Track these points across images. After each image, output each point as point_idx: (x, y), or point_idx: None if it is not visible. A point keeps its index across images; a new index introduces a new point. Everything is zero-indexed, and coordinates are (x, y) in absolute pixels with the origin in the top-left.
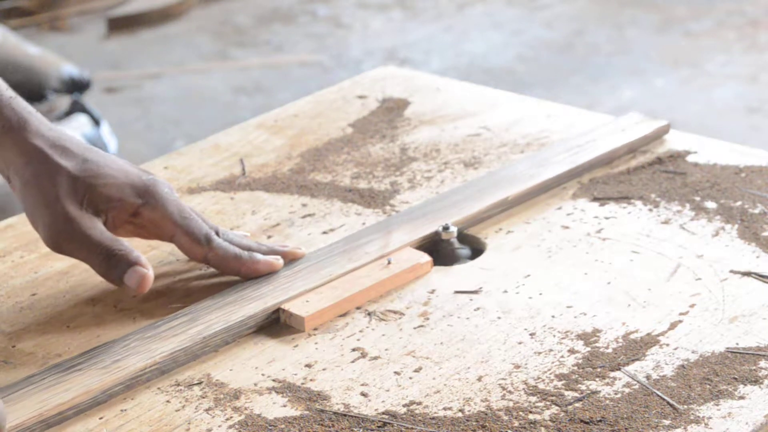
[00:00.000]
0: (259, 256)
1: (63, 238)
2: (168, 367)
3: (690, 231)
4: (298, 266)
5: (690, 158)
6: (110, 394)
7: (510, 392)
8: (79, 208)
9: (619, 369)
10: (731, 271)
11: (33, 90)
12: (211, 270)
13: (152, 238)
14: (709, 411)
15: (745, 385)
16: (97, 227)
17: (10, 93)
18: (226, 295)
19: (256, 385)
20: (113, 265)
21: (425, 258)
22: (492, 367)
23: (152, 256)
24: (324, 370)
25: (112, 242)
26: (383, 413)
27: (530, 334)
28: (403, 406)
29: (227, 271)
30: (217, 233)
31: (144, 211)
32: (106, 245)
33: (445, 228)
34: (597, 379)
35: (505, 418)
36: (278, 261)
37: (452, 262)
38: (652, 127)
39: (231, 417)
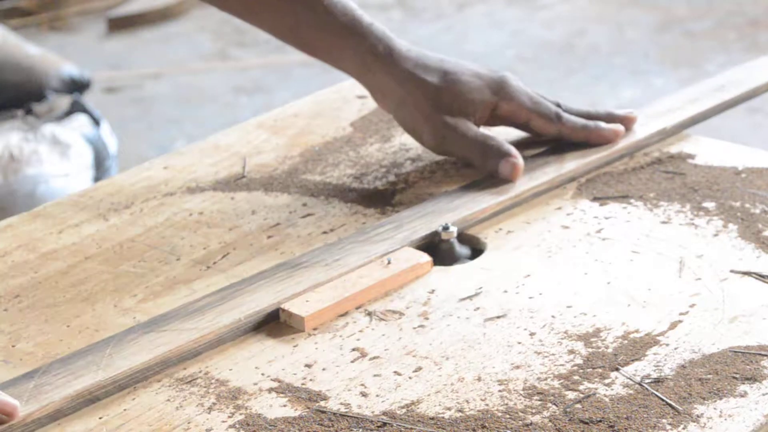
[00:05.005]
0: (603, 125)
1: (446, 142)
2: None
3: (690, 231)
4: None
5: (690, 158)
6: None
7: (510, 392)
8: (452, 115)
9: (619, 369)
10: (731, 271)
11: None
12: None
13: (507, 125)
14: (709, 411)
15: (745, 385)
16: (470, 128)
17: (366, 18)
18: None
19: (256, 384)
20: (489, 156)
21: (425, 258)
22: (492, 367)
23: (151, 256)
24: (324, 370)
25: (486, 138)
26: (383, 413)
27: (530, 334)
28: (403, 406)
29: (577, 140)
30: (559, 106)
31: (502, 104)
32: (481, 141)
33: (445, 228)
34: (597, 380)
35: (505, 418)
36: (620, 128)
37: (452, 262)
38: None
39: (231, 417)
